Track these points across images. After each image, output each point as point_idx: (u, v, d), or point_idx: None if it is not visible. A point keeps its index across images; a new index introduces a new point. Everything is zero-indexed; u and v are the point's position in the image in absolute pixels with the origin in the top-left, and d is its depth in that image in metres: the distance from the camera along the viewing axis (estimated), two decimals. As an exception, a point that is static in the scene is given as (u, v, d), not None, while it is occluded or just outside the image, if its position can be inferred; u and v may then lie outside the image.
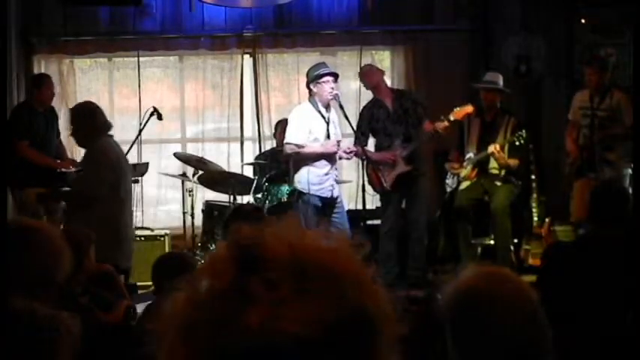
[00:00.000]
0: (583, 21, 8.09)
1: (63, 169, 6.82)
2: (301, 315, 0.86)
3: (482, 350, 1.79)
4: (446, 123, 6.62)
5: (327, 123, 6.56)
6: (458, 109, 6.67)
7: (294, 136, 6.56)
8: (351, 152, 6.58)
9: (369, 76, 6.98)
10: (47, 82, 7.03)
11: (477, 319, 1.80)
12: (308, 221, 6.52)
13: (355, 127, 6.80)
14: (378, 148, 6.88)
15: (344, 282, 0.90)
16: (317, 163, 6.53)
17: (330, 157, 6.57)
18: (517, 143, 6.67)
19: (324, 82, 6.47)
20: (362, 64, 8.12)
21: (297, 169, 6.60)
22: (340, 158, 6.69)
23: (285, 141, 6.68)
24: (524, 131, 6.68)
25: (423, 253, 6.83)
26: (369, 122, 6.83)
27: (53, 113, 7.15)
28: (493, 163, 6.83)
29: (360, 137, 6.81)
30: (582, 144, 6.79)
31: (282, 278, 0.88)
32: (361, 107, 7.36)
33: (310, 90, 6.59)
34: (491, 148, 6.67)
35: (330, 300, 0.88)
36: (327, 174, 6.54)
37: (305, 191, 6.50)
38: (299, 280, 0.88)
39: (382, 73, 7.06)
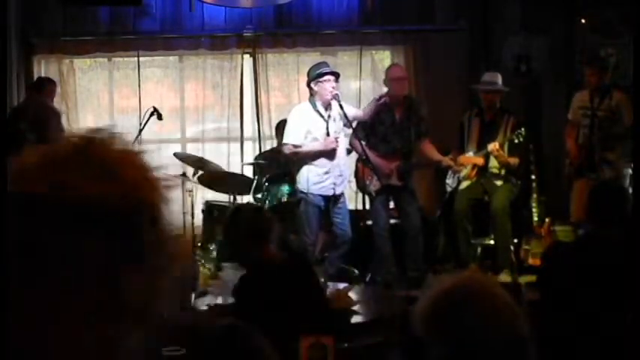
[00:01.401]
0: (583, 21, 8.08)
1: None
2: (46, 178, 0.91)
3: (461, 354, 1.79)
4: (451, 163, 6.67)
5: (327, 122, 6.56)
6: (470, 155, 6.71)
7: (291, 137, 6.57)
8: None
9: (395, 76, 6.85)
10: (48, 87, 7.03)
11: (453, 325, 1.79)
12: (310, 221, 6.55)
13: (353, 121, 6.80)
14: (372, 150, 6.80)
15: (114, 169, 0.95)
16: (317, 162, 6.53)
17: (330, 155, 6.56)
18: (516, 141, 6.67)
19: (325, 81, 6.47)
20: (362, 64, 8.13)
21: (297, 169, 6.60)
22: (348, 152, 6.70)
23: (282, 141, 6.69)
24: (523, 129, 6.68)
25: (420, 253, 6.82)
26: (372, 121, 6.81)
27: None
28: (493, 162, 6.83)
29: (359, 131, 6.80)
30: (582, 144, 6.78)
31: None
32: (362, 106, 7.35)
33: (311, 89, 6.59)
34: (490, 147, 6.67)
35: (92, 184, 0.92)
36: (327, 172, 6.53)
37: (305, 191, 6.51)
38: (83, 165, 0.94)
39: (406, 80, 6.96)
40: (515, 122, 6.83)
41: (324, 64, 6.72)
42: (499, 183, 6.85)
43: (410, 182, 6.86)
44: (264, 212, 3.67)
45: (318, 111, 6.54)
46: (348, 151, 6.92)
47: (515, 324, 1.80)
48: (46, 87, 7.05)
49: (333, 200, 6.59)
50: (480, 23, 8.29)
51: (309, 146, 6.51)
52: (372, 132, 6.80)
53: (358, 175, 6.76)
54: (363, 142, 6.75)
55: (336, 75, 6.57)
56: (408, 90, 7.23)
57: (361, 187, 6.75)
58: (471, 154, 6.88)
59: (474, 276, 1.90)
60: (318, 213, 6.55)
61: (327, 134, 6.53)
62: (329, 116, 6.56)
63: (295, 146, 6.52)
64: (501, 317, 1.79)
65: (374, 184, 6.66)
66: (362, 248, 6.78)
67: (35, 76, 7.92)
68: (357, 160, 6.91)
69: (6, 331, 0.82)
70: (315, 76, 6.53)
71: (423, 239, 6.87)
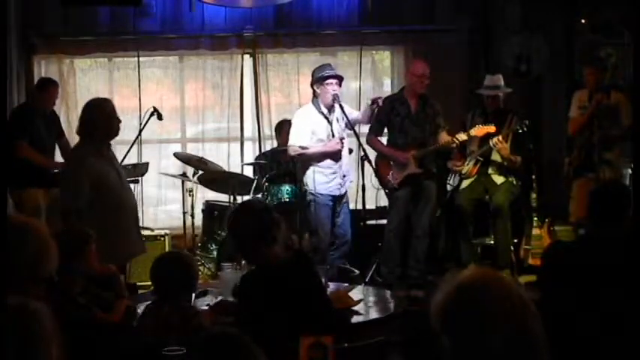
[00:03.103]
0: (583, 21, 8.08)
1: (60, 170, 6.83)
2: None
3: (476, 348, 1.79)
4: (465, 137, 6.64)
5: (331, 123, 6.58)
6: (480, 126, 6.67)
7: (296, 138, 6.59)
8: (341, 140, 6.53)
9: (418, 73, 6.82)
10: (50, 88, 7.02)
11: (470, 318, 1.80)
12: (323, 222, 6.55)
13: (373, 118, 6.85)
14: (390, 144, 6.85)
15: None
16: (322, 164, 6.56)
17: (335, 156, 6.58)
18: (520, 130, 6.66)
19: (327, 84, 6.51)
20: (362, 64, 8.12)
21: (303, 171, 6.62)
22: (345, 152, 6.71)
23: (288, 143, 6.70)
24: (527, 121, 6.68)
25: (424, 253, 6.83)
26: (387, 114, 6.82)
27: (54, 116, 7.17)
28: (495, 156, 6.83)
29: (375, 125, 6.82)
30: (581, 144, 6.78)
31: None
32: (361, 107, 7.36)
33: (314, 91, 6.62)
34: (494, 140, 6.66)
35: None
36: (334, 173, 6.58)
37: (313, 192, 6.53)
38: None
39: (427, 79, 6.87)
40: (518, 120, 6.83)
41: (328, 66, 6.74)
42: (500, 180, 6.84)
43: (430, 169, 6.82)
44: (271, 211, 3.64)
45: (322, 112, 6.56)
46: (350, 151, 6.94)
47: (530, 321, 1.81)
48: (47, 88, 7.03)
49: (339, 200, 6.63)
50: (480, 23, 8.29)
51: (314, 148, 6.54)
52: (389, 124, 6.81)
53: (378, 173, 6.75)
54: (382, 135, 6.82)
55: (339, 78, 6.59)
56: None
57: (383, 184, 6.72)
58: (472, 160, 6.87)
59: (490, 272, 1.91)
60: (330, 213, 6.57)
61: (333, 135, 6.56)
62: (332, 118, 6.59)
63: (302, 147, 6.55)
64: (516, 315, 1.80)
65: (395, 178, 6.67)
66: (362, 248, 6.78)
67: (35, 76, 7.92)
68: (376, 158, 6.91)
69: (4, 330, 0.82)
70: (317, 78, 6.55)
71: (430, 241, 6.87)
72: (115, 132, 5.20)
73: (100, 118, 5.12)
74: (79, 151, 5.19)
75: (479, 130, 6.66)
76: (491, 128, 6.66)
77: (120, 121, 5.22)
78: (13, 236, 2.37)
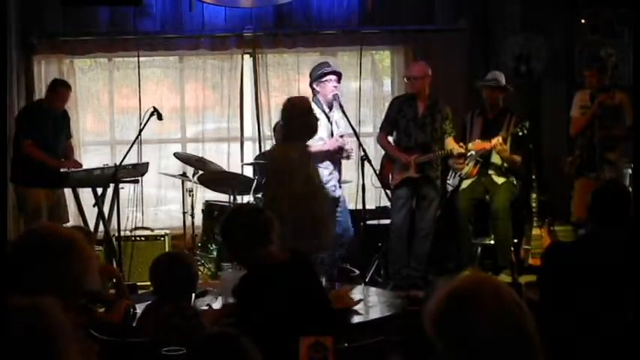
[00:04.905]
0: (583, 21, 8.09)
1: (65, 169, 6.83)
2: None
3: (471, 354, 1.79)
4: (462, 150, 6.68)
5: (331, 123, 6.57)
6: (479, 141, 6.72)
7: None
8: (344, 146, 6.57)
9: (418, 71, 6.87)
10: (59, 89, 7.01)
11: (462, 325, 1.80)
12: None
13: (383, 117, 6.96)
14: (395, 144, 6.88)
15: None
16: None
17: (334, 156, 6.58)
18: (520, 134, 6.67)
19: (327, 80, 6.49)
20: (362, 64, 8.12)
21: None
22: (348, 158, 6.69)
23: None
24: (527, 122, 6.69)
25: (425, 254, 6.82)
26: (395, 114, 6.84)
27: (64, 116, 7.18)
28: (495, 158, 6.83)
29: (385, 125, 6.86)
30: (583, 144, 6.79)
31: None
32: (361, 107, 7.37)
33: (313, 89, 6.60)
34: (493, 141, 6.66)
35: None
36: (331, 174, 6.56)
37: None
38: None
39: (430, 78, 6.89)
40: (517, 120, 6.84)
41: (326, 64, 6.74)
42: (500, 181, 6.84)
43: (431, 173, 6.80)
44: (264, 212, 3.65)
45: (323, 111, 6.56)
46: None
47: (523, 322, 1.81)
48: (56, 90, 7.02)
49: (334, 201, 6.60)
50: (480, 23, 8.29)
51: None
52: (395, 125, 6.83)
53: (383, 172, 6.76)
54: (390, 137, 6.86)
55: (338, 74, 6.59)
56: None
57: (384, 184, 6.72)
58: (472, 152, 6.87)
59: (480, 276, 1.91)
60: None
61: (332, 136, 6.55)
62: (332, 117, 6.58)
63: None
64: (509, 316, 1.80)
65: (394, 179, 6.68)
66: (362, 248, 6.78)
67: (35, 76, 7.94)
68: (383, 156, 6.93)
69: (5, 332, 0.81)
70: (317, 76, 6.54)
71: (431, 242, 6.86)
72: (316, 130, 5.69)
73: (309, 117, 5.60)
74: (302, 150, 5.61)
75: (477, 145, 6.72)
76: (488, 144, 6.69)
77: (317, 119, 5.74)
78: (59, 249, 2.36)
